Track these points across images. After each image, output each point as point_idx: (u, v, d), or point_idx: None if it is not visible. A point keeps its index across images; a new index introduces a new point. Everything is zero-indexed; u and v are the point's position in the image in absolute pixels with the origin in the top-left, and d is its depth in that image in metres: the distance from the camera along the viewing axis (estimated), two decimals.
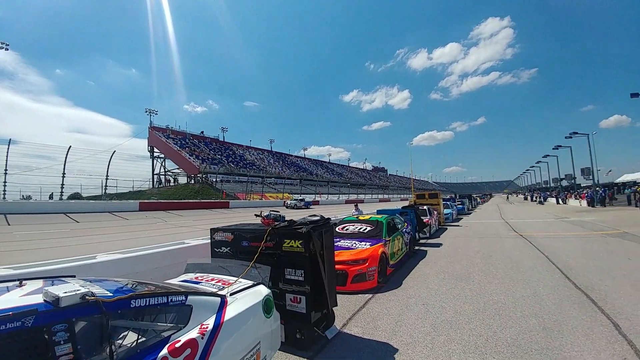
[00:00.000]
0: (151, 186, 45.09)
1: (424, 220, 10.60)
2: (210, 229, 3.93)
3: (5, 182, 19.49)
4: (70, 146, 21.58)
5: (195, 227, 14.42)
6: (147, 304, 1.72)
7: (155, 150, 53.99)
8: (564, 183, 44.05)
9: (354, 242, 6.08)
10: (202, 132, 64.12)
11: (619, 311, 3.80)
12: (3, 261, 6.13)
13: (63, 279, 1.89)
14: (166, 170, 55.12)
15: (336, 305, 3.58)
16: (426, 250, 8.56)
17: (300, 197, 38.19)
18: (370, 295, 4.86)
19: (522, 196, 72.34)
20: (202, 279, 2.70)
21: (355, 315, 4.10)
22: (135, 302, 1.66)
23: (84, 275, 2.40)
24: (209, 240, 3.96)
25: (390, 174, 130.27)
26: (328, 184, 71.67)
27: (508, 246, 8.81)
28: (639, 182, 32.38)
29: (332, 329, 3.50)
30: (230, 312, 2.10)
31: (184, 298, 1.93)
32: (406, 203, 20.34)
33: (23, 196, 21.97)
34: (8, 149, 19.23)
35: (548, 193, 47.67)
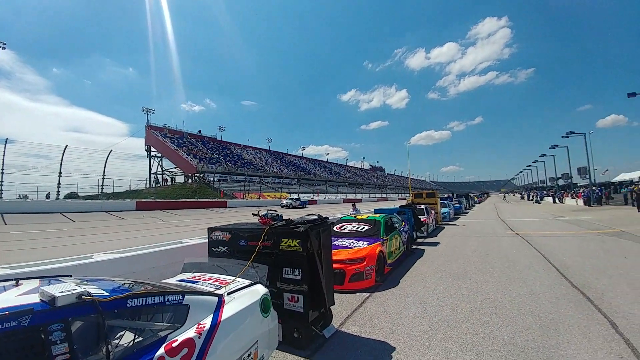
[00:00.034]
0: (148, 185, 44.74)
1: (422, 220, 10.65)
2: (208, 228, 3.92)
3: (2, 181, 19.34)
4: (67, 145, 21.38)
5: (193, 226, 14.40)
6: (144, 303, 1.71)
7: (153, 149, 53.68)
8: (561, 182, 44.39)
9: (351, 241, 6.09)
10: (200, 131, 63.84)
11: (615, 310, 3.82)
12: (0, 261, 6.10)
13: (59, 278, 1.88)
14: (163, 169, 54.83)
15: (334, 304, 3.59)
16: (424, 249, 8.58)
17: (296, 197, 38.11)
18: (368, 294, 4.87)
19: (519, 195, 72.62)
20: (199, 279, 2.70)
21: (353, 314, 4.11)
22: (131, 302, 1.66)
23: (81, 275, 2.38)
24: (207, 240, 3.95)
25: (388, 174, 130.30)
26: (326, 184, 71.59)
27: (505, 245, 8.85)
28: (635, 181, 32.56)
29: (329, 328, 3.51)
30: (227, 312, 2.10)
31: (180, 297, 1.92)
32: (404, 202, 20.37)
33: (20, 196, 21.80)
34: (5, 148, 19.10)
35: (545, 192, 47.92)
